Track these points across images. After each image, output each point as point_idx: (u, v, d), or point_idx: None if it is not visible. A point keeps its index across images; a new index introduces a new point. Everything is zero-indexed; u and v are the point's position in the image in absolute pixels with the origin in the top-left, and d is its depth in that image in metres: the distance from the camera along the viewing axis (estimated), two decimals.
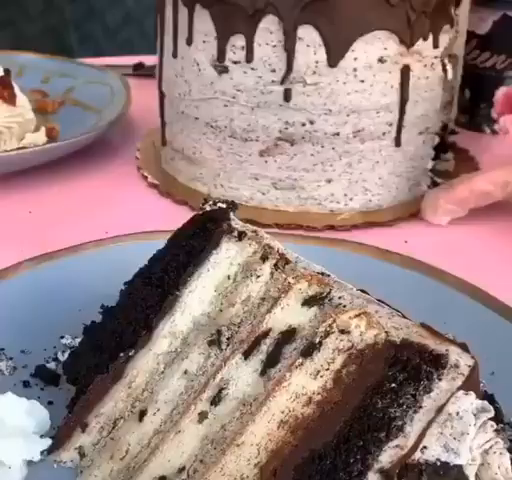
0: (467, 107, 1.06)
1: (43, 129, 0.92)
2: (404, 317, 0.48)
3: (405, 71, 0.77)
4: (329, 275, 0.51)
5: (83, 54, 1.66)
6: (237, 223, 0.53)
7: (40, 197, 0.86)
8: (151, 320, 0.52)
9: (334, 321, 0.46)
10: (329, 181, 0.80)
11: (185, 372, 0.50)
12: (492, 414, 0.44)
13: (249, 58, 0.74)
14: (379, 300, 0.49)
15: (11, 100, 0.88)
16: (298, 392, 0.46)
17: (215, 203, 0.55)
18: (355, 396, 0.44)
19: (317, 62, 0.74)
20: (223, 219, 0.53)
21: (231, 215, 0.54)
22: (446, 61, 0.79)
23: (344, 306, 0.48)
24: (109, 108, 0.98)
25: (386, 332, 0.46)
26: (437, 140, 0.84)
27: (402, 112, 0.78)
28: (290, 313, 0.49)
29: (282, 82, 0.75)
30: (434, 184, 0.86)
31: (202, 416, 0.48)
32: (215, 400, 0.48)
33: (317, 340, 0.46)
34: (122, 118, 0.96)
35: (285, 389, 0.46)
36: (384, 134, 0.79)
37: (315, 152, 0.79)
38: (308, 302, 0.49)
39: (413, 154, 0.82)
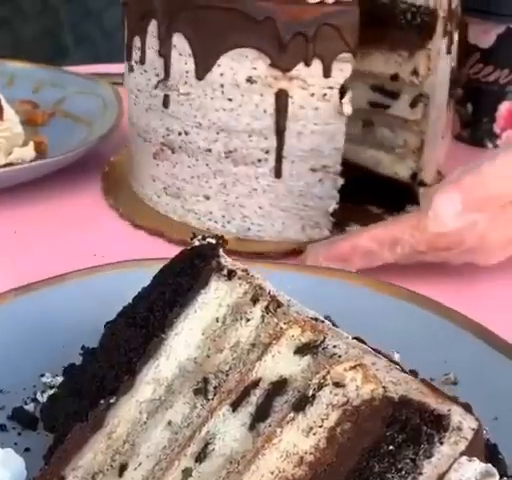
0: (469, 121, 1.03)
1: (31, 143, 0.89)
2: (403, 371, 0.45)
3: (281, 96, 0.70)
4: (323, 321, 0.48)
5: (79, 55, 1.63)
6: (226, 261, 0.50)
7: (26, 216, 0.83)
8: (134, 364, 0.48)
9: (328, 372, 0.44)
10: (207, 198, 0.76)
11: (169, 423, 0.47)
12: (497, 478, 0.41)
13: (142, 60, 0.74)
14: (376, 350, 0.46)
15: None
16: (289, 451, 0.43)
17: (204, 238, 0.52)
18: (350, 458, 0.41)
19: (187, 72, 0.71)
20: (212, 256, 0.50)
21: (220, 251, 0.51)
22: (346, 97, 0.71)
23: (339, 356, 0.45)
24: (100, 120, 0.95)
25: (384, 387, 0.43)
26: (340, 182, 0.74)
27: (281, 141, 0.72)
28: (281, 362, 0.46)
29: (156, 87, 0.75)
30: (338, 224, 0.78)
31: (186, 474, 0.45)
32: (200, 456, 0.45)
33: (310, 393, 0.43)
34: (114, 131, 0.92)
35: (275, 447, 0.43)
36: (260, 161, 0.73)
37: (191, 165, 0.75)
38: (301, 350, 0.46)
39: (304, 191, 0.74)
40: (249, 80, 0.70)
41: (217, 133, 0.73)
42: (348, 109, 0.71)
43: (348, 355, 0.44)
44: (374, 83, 0.80)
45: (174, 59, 0.72)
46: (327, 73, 0.69)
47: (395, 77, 0.78)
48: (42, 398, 0.54)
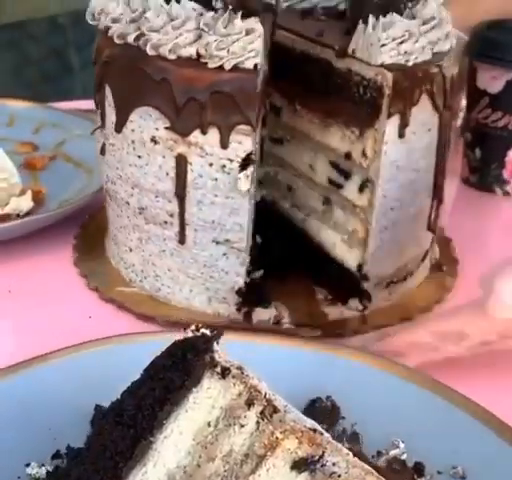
0: (477, 167, 1.01)
1: (29, 193, 0.86)
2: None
3: (180, 161, 0.66)
4: (322, 433, 0.46)
5: (85, 77, 1.62)
6: (220, 356, 0.48)
7: (19, 272, 0.79)
8: (120, 470, 0.46)
9: None
10: (130, 249, 0.75)
11: None
12: None
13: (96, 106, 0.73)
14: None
15: None
16: None
17: (198, 329, 0.49)
18: None
19: (112, 123, 0.70)
20: (205, 350, 0.48)
21: (215, 345, 0.48)
22: (249, 170, 0.66)
23: (339, 476, 0.43)
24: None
25: None
26: (247, 259, 0.70)
27: (182, 207, 0.68)
28: (277, 477, 0.44)
29: (92, 133, 0.75)
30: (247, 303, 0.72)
31: None
32: None
33: None
34: None
35: None
36: (166, 223, 0.69)
37: (118, 215, 0.74)
38: (298, 465, 0.44)
39: (209, 262, 0.69)
40: (153, 140, 0.66)
41: (132, 188, 0.71)
42: (244, 186, 0.65)
43: (348, 475, 0.43)
44: (331, 159, 0.73)
45: (106, 109, 0.70)
46: (224, 144, 0.64)
47: (348, 156, 0.70)
48: None
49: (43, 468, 0.54)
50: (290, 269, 0.79)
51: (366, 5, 0.71)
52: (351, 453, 0.44)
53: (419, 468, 0.54)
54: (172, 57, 0.64)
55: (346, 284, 0.74)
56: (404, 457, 0.55)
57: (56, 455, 0.54)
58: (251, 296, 0.71)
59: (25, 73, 1.67)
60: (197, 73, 0.63)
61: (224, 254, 0.69)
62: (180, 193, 0.68)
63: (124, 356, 0.58)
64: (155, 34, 0.64)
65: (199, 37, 0.64)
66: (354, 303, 0.73)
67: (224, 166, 0.65)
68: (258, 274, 0.75)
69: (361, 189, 0.70)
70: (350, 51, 0.67)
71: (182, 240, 0.70)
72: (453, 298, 0.77)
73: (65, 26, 1.69)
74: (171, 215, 0.69)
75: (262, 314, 0.71)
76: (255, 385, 0.46)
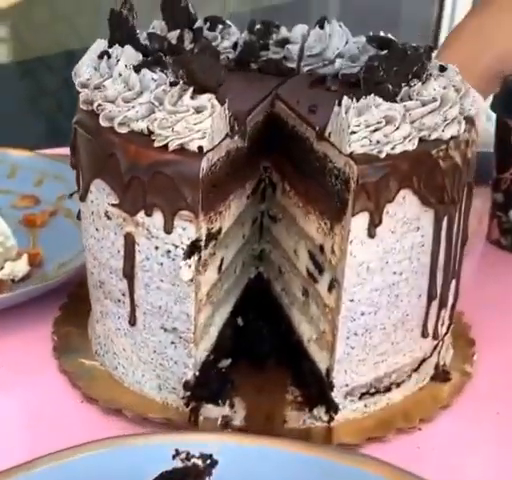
0: (510, 229, 0.93)
1: (25, 256, 0.82)
2: None
3: (128, 241, 0.60)
4: None
5: None
6: None
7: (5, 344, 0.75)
8: None
9: None
10: (97, 321, 0.68)
11: None
12: None
13: None
14: None
15: None
16: None
17: (188, 458, 0.44)
18: None
19: (80, 189, 0.66)
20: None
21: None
22: (192, 259, 0.59)
23: None
24: None
25: None
26: (197, 353, 0.63)
27: (131, 288, 0.62)
28: None
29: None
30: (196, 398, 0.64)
31: None
32: None
33: None
34: None
35: None
36: (120, 301, 0.64)
37: (89, 283, 0.69)
38: None
39: (158, 349, 0.64)
40: (106, 214, 0.62)
41: (93, 259, 0.66)
42: (186, 275, 0.59)
43: None
44: (310, 248, 0.65)
45: (79, 174, 0.66)
46: (168, 229, 0.58)
47: (322, 249, 0.63)
48: None
49: None
50: (269, 358, 0.71)
51: (370, 79, 0.63)
52: None
53: None
54: (123, 131, 0.58)
55: (315, 388, 0.65)
56: None
57: None
58: (202, 391, 0.64)
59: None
60: (142, 151, 0.57)
61: (172, 343, 0.63)
62: (128, 273, 0.62)
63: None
64: (109, 105, 0.59)
65: (152, 112, 0.58)
66: (319, 412, 0.64)
67: (169, 251, 0.59)
68: (225, 363, 0.68)
69: (329, 288, 0.62)
70: (327, 134, 0.59)
71: (132, 322, 0.64)
72: (449, 416, 0.67)
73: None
74: (123, 294, 0.64)
75: (211, 412, 0.64)
76: None
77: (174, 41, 0.74)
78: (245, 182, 0.67)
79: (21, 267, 0.82)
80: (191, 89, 0.56)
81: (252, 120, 0.65)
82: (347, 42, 0.75)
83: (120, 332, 0.66)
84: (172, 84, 0.58)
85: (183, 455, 0.43)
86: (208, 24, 0.77)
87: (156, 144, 0.56)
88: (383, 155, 0.55)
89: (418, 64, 0.62)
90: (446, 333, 0.70)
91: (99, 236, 0.64)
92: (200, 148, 0.56)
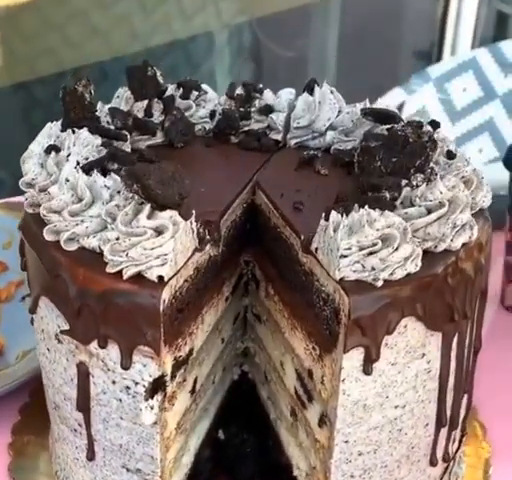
0: None
1: None
2: None
3: (82, 371, 0.51)
4: None
5: None
6: None
7: None
8: None
9: None
10: (56, 440, 0.60)
11: None
12: None
13: None
14: None
15: None
16: None
17: None
18: None
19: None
20: None
21: None
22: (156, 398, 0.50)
23: None
24: None
25: None
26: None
27: (88, 422, 0.53)
28: None
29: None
30: None
31: None
32: None
33: None
34: None
35: None
36: (76, 431, 0.55)
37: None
38: None
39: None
40: (57, 338, 0.52)
41: (47, 379, 0.57)
42: (148, 419, 0.50)
43: None
44: (297, 367, 0.56)
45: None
46: (125, 364, 0.49)
47: (310, 374, 0.53)
48: None
49: None
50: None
51: (370, 170, 0.53)
52: None
53: None
54: (71, 248, 0.49)
55: None
56: None
57: None
58: None
59: None
60: (92, 276, 0.47)
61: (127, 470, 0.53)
62: (82, 406, 0.53)
63: None
64: (55, 216, 0.49)
65: (105, 227, 0.48)
66: None
67: (128, 387, 0.50)
68: None
69: (320, 424, 0.52)
70: (313, 249, 0.49)
71: (91, 457, 0.55)
72: None
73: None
74: (79, 424, 0.54)
75: None
76: None
77: (141, 114, 0.64)
78: (222, 285, 0.58)
79: None
80: (148, 206, 0.46)
81: (228, 220, 0.55)
82: (340, 111, 0.65)
83: (79, 462, 0.57)
84: (127, 198, 0.48)
85: None
86: (181, 90, 0.67)
87: (108, 270, 0.46)
88: (380, 283, 0.45)
89: (422, 157, 0.52)
90: (458, 449, 0.60)
91: (51, 357, 0.54)
92: (160, 278, 0.46)
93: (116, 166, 0.53)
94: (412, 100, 1.55)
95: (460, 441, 0.60)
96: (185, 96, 0.68)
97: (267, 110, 0.67)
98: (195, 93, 0.68)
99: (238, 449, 0.62)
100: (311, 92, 0.67)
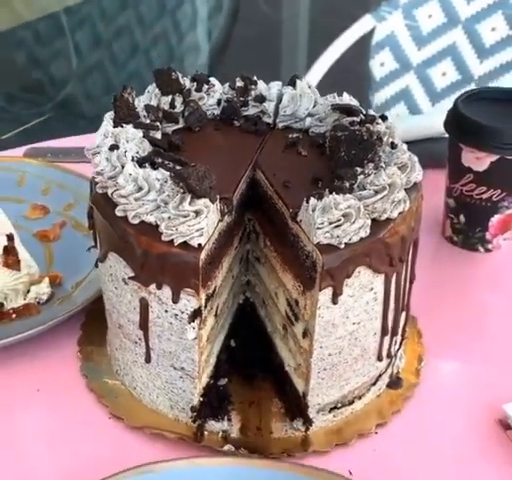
0: (461, 229, 1.12)
1: (46, 279, 0.98)
2: None
3: (143, 303, 0.78)
4: None
5: None
6: None
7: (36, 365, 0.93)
8: None
9: None
10: (116, 348, 0.89)
11: None
12: None
13: None
14: None
15: (15, 266, 0.96)
16: None
17: None
18: None
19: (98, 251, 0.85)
20: None
21: None
22: (195, 322, 0.77)
23: None
24: None
25: None
26: (200, 385, 0.82)
27: (146, 337, 0.80)
28: None
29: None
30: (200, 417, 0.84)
31: None
32: None
33: None
34: None
35: None
36: (136, 342, 0.82)
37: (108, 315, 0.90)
38: None
39: (169, 380, 0.82)
40: (124, 280, 0.78)
41: (112, 307, 0.84)
42: (191, 335, 0.77)
43: None
44: (287, 297, 0.83)
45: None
46: (175, 300, 0.76)
47: (297, 303, 0.80)
48: None
49: None
50: (260, 375, 0.91)
51: (337, 158, 0.80)
52: None
53: None
54: (135, 222, 0.75)
55: (294, 404, 0.85)
56: None
57: None
58: (206, 411, 0.85)
59: None
60: (152, 243, 0.75)
61: (181, 377, 0.82)
62: (143, 327, 0.81)
63: None
64: (123, 200, 0.76)
65: (158, 207, 0.75)
66: (298, 424, 0.85)
67: (176, 315, 0.78)
68: (222, 382, 0.88)
69: (303, 336, 0.81)
70: (299, 220, 0.76)
71: (148, 360, 0.83)
72: (400, 419, 0.87)
73: None
74: (139, 339, 0.82)
75: (213, 426, 0.85)
76: None
77: (167, 106, 0.90)
78: (233, 239, 0.85)
79: (44, 289, 0.99)
80: (189, 196, 0.73)
81: (237, 193, 0.82)
82: (316, 103, 0.91)
83: (137, 364, 0.85)
84: (174, 189, 0.75)
85: None
86: (195, 84, 0.93)
87: (164, 238, 0.74)
88: (342, 246, 0.73)
89: (372, 151, 0.79)
90: (399, 349, 0.89)
91: (117, 293, 0.82)
92: (199, 245, 0.73)
93: (160, 160, 0.79)
94: (381, 27, 1.78)
95: (401, 343, 0.89)
96: (198, 89, 0.93)
97: (261, 99, 0.93)
98: (205, 86, 0.94)
99: (245, 353, 0.91)
100: (294, 86, 0.93)
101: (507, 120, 1.06)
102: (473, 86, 1.76)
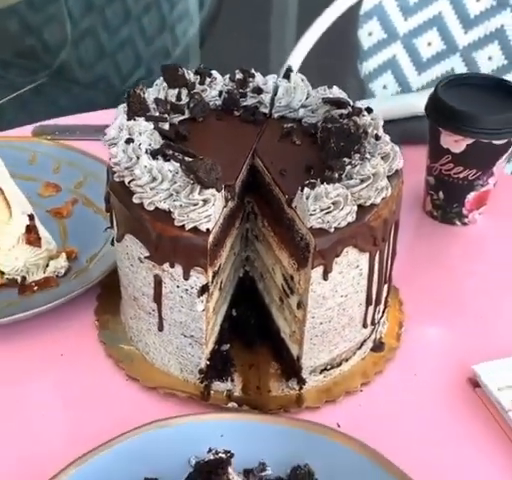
0: (440, 205, 1.24)
1: (63, 254, 1.08)
2: None
3: (157, 279, 0.89)
4: None
5: None
6: (231, 473, 0.75)
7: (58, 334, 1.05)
8: None
9: None
10: (130, 318, 1.02)
11: None
12: None
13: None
14: None
15: (36, 242, 1.06)
16: None
17: (217, 453, 0.78)
18: None
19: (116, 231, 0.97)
20: (224, 469, 0.75)
21: (230, 469, 0.75)
22: (203, 297, 0.89)
23: None
24: None
25: None
26: (207, 351, 0.94)
27: (159, 309, 0.92)
28: None
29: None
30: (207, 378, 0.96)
31: None
32: None
33: None
34: None
35: None
36: (150, 313, 0.94)
37: (123, 287, 1.02)
38: None
39: (180, 346, 0.94)
40: (139, 259, 0.90)
41: (128, 281, 0.94)
42: (200, 307, 0.89)
43: None
44: (283, 273, 0.94)
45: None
46: (186, 277, 0.87)
47: (292, 278, 0.91)
48: None
49: None
50: (258, 341, 1.03)
51: (327, 148, 0.91)
52: None
53: None
54: (150, 208, 0.87)
55: (290, 366, 0.98)
56: None
57: None
58: (212, 373, 0.97)
59: None
60: (166, 227, 0.86)
61: (190, 343, 0.94)
62: (157, 300, 0.92)
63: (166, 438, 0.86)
64: (139, 189, 0.87)
65: (171, 195, 0.86)
66: (292, 384, 0.97)
67: (187, 289, 0.89)
68: (225, 347, 1.00)
69: (298, 307, 0.93)
70: (294, 206, 0.88)
71: (160, 329, 0.95)
72: (382, 379, 1.00)
73: None
74: (153, 310, 0.94)
75: (219, 386, 0.97)
76: None
77: (173, 98, 1.00)
78: (235, 221, 0.97)
79: (62, 263, 1.10)
80: (198, 187, 0.84)
81: (239, 179, 0.93)
82: (308, 95, 1.01)
83: (150, 332, 0.97)
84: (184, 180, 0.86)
85: (214, 451, 0.76)
86: (199, 78, 1.03)
87: (176, 224, 0.85)
88: (332, 230, 0.85)
89: (358, 143, 0.90)
90: (381, 316, 1.01)
91: (133, 270, 0.93)
92: (207, 229, 0.85)
93: (171, 152, 0.90)
94: None
95: (383, 311, 1.02)
96: (201, 82, 1.03)
97: (258, 91, 1.04)
98: (208, 79, 1.04)
99: (245, 321, 1.03)
100: (288, 79, 1.03)
101: (483, 106, 1.17)
102: (458, 56, 1.84)
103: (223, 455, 0.75)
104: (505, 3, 1.74)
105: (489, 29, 1.79)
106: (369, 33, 1.89)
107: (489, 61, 1.79)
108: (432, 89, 1.22)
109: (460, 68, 1.83)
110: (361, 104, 0.99)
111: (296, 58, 1.86)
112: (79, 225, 1.18)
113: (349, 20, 1.91)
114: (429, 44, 1.86)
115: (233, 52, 2.68)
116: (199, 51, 2.79)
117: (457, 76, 1.25)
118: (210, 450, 0.77)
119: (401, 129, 1.33)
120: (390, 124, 1.29)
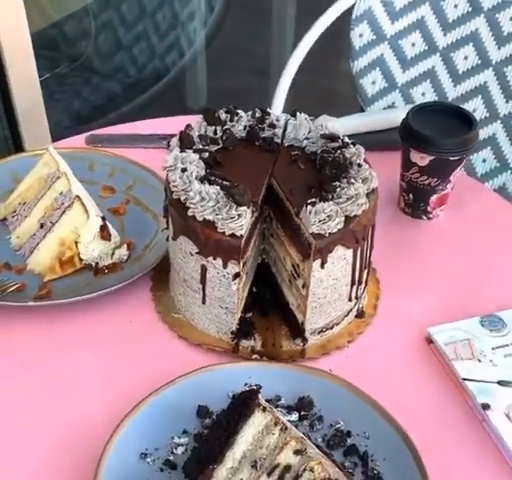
0: (410, 204, 1.60)
1: (125, 245, 1.39)
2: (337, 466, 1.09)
3: (203, 268, 1.24)
4: (304, 438, 0.99)
5: None
6: (261, 399, 1.02)
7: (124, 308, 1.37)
8: (224, 448, 0.99)
9: (308, 464, 0.94)
10: (180, 294, 1.40)
11: None
12: None
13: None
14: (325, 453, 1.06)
15: (108, 238, 1.37)
16: None
17: (250, 386, 1.19)
18: None
19: (172, 232, 1.31)
20: (255, 397, 1.03)
21: (259, 396, 1.02)
22: (236, 280, 1.25)
23: (311, 456, 0.95)
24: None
25: (330, 475, 0.94)
26: (237, 317, 1.31)
27: (203, 288, 1.28)
28: (288, 457, 0.96)
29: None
30: (237, 337, 1.33)
31: None
32: None
33: (300, 473, 0.94)
34: None
35: None
36: (196, 291, 1.30)
37: (174, 270, 1.39)
38: (296, 452, 0.96)
39: (217, 314, 1.30)
40: (190, 253, 1.22)
41: (180, 268, 1.28)
42: (234, 288, 1.22)
43: (316, 457, 0.94)
44: (292, 262, 1.27)
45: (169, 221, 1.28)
46: (225, 266, 1.21)
47: (298, 266, 1.23)
48: (177, 451, 1.10)
49: (181, 439, 1.12)
50: (272, 310, 1.44)
51: (324, 174, 1.30)
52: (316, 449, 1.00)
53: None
54: (200, 219, 1.27)
55: (296, 329, 1.39)
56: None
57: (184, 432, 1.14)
58: (240, 334, 1.37)
59: None
60: (212, 233, 1.25)
61: (225, 313, 1.35)
62: (202, 282, 1.32)
63: (212, 378, 1.22)
64: (192, 205, 1.27)
65: (214, 211, 1.26)
66: (298, 341, 1.38)
67: (224, 275, 1.29)
68: (249, 315, 1.41)
69: (302, 286, 1.33)
70: (300, 217, 1.28)
71: (204, 302, 1.35)
72: (363, 337, 1.41)
73: None
74: (199, 289, 1.34)
75: (245, 343, 1.37)
76: (277, 416, 1.00)
77: (211, 133, 1.39)
78: (257, 225, 1.36)
79: (124, 252, 1.39)
80: (235, 205, 1.24)
81: (261, 195, 1.32)
82: (310, 130, 1.41)
83: (195, 304, 1.37)
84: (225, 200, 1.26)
85: (247, 385, 1.13)
86: (228, 116, 1.42)
87: (218, 230, 1.25)
88: (327, 234, 1.25)
89: (346, 171, 1.30)
90: (363, 292, 1.42)
91: (185, 260, 1.33)
92: (241, 235, 1.25)
93: (213, 178, 1.30)
94: (361, 3, 2.01)
95: (364, 288, 1.42)
96: (231, 119, 1.42)
97: (273, 126, 1.42)
98: (235, 117, 1.43)
99: (263, 296, 1.44)
100: (295, 117, 1.42)
101: (443, 129, 1.50)
102: (438, 56, 2.09)
103: (254, 387, 1.16)
104: (479, 10, 2.00)
105: (465, 32, 2.05)
106: (360, 34, 2.13)
107: (465, 60, 2.07)
108: (409, 106, 1.56)
109: (440, 66, 2.10)
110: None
111: (296, 58, 2.16)
112: (133, 221, 1.46)
113: (344, 22, 2.16)
114: (413, 45, 2.11)
115: (236, 51, 2.99)
116: (204, 49, 3.14)
117: (424, 105, 1.58)
118: (245, 384, 1.18)
119: (383, 138, 1.70)
120: (374, 134, 1.72)
